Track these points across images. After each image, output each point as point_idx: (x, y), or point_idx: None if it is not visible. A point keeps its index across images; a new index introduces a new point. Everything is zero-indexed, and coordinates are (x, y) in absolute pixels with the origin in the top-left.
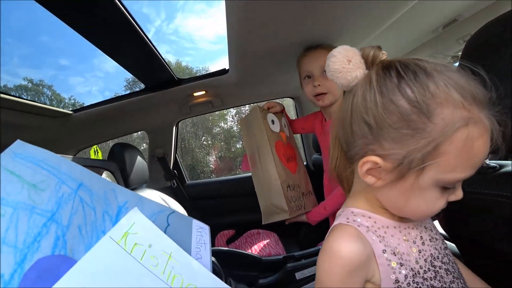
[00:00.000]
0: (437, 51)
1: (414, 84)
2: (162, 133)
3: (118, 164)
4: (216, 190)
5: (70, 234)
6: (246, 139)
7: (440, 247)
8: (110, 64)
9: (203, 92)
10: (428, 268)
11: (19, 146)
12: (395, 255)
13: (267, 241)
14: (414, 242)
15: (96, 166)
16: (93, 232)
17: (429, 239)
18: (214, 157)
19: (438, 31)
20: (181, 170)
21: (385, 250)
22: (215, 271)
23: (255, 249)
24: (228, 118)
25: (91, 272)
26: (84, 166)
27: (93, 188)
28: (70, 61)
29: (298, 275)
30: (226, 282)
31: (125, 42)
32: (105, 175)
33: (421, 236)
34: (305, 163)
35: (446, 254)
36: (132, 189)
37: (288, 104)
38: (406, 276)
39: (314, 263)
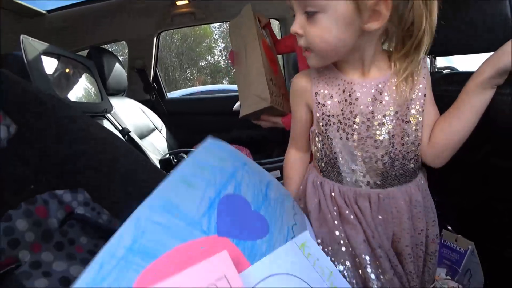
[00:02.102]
0: None
1: None
2: (142, 44)
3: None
4: (195, 107)
5: (242, 187)
6: (234, 37)
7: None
8: None
9: (186, 2)
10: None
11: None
12: (324, 97)
13: None
14: (356, 99)
15: (73, 59)
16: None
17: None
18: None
19: None
20: (161, 84)
21: (317, 93)
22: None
23: None
24: (216, 51)
25: (279, 262)
26: (62, 56)
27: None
28: None
29: None
30: None
31: None
32: (84, 77)
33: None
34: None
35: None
36: (111, 95)
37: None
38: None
39: (276, 168)
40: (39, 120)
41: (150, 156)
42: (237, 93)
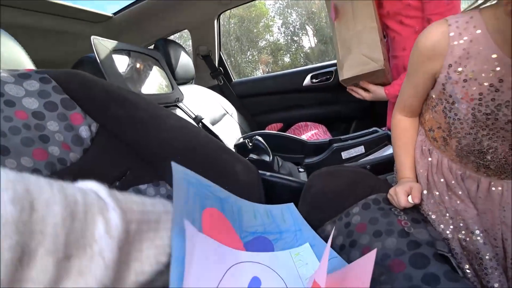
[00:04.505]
0: None
1: None
2: (203, 29)
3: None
4: (263, 87)
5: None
6: None
7: None
8: None
9: None
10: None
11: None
12: (458, 72)
13: (315, 131)
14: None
15: (141, 52)
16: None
17: None
18: (261, 71)
19: None
20: (227, 68)
21: (451, 65)
22: (261, 148)
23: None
24: (274, 29)
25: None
26: (130, 51)
27: None
28: None
29: (344, 155)
30: (273, 160)
31: None
32: (154, 70)
33: None
34: None
35: None
36: (180, 84)
37: None
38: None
39: (360, 144)
40: (120, 116)
41: (225, 142)
42: (305, 68)
